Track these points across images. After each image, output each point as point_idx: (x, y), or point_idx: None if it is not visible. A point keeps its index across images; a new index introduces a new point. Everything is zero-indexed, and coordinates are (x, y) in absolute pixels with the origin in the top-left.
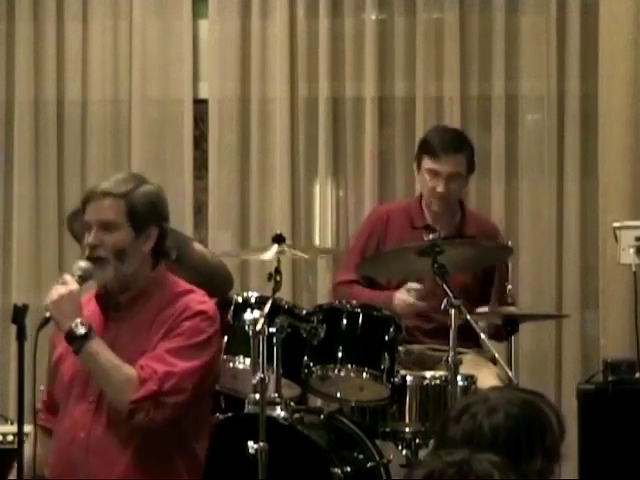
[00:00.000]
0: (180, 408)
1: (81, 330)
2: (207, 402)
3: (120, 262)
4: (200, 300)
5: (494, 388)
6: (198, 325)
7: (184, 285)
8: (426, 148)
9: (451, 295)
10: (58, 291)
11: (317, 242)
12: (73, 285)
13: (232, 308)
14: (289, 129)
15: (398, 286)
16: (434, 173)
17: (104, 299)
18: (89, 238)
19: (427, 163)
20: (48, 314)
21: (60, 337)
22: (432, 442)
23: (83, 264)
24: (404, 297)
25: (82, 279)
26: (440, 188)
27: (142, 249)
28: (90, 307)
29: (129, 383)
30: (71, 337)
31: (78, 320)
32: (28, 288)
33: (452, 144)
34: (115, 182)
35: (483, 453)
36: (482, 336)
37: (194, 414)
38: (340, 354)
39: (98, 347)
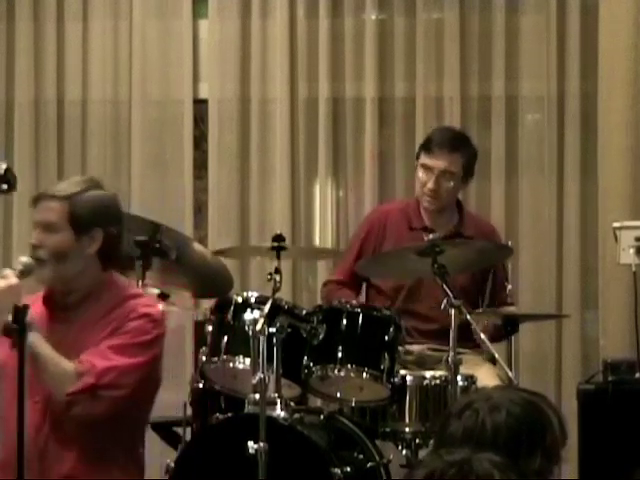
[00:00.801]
0: (119, 404)
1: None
2: (148, 407)
3: (60, 263)
4: (147, 303)
5: (497, 387)
6: (143, 326)
7: (133, 289)
8: (424, 144)
9: (451, 295)
10: None
11: (317, 242)
12: (13, 279)
13: (232, 308)
14: (289, 129)
15: (394, 288)
16: (426, 168)
17: (52, 300)
18: (32, 238)
19: (422, 158)
20: None
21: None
22: (432, 441)
23: (25, 259)
24: None
25: (22, 274)
26: (430, 184)
27: (86, 251)
28: (36, 308)
29: (66, 376)
30: (9, 330)
31: None
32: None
33: (449, 142)
34: (65, 184)
35: (483, 451)
36: (482, 336)
37: (135, 416)
38: (340, 354)
39: (36, 340)
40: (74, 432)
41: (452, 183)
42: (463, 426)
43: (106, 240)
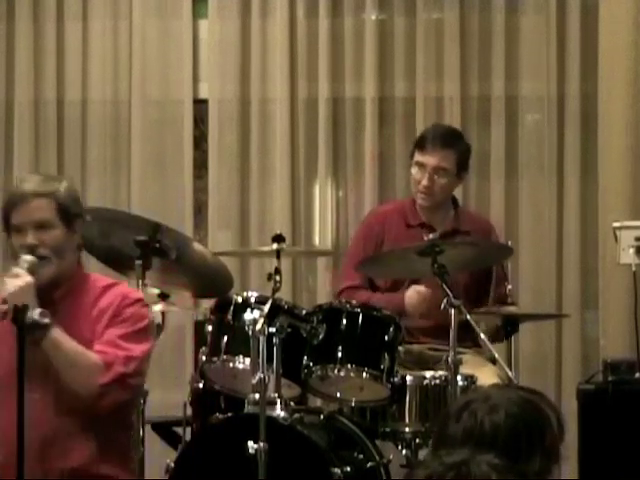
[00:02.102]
0: (139, 390)
1: (44, 320)
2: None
3: (60, 259)
4: (132, 290)
5: (495, 386)
6: (139, 311)
7: (105, 278)
8: (417, 142)
9: (451, 295)
10: (14, 283)
11: (317, 242)
12: (27, 277)
13: (232, 308)
14: (289, 129)
15: (393, 286)
16: (420, 165)
17: (37, 296)
18: (27, 239)
19: (416, 156)
20: (6, 306)
21: None
22: (431, 441)
23: (29, 258)
24: (414, 291)
25: (31, 272)
26: (424, 181)
27: (74, 244)
28: None
29: (96, 367)
30: (33, 327)
31: (39, 310)
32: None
33: (441, 138)
34: (37, 182)
35: (482, 451)
36: (482, 336)
37: (134, 400)
38: (340, 354)
39: (60, 335)
40: (79, 424)
41: (446, 179)
42: (462, 427)
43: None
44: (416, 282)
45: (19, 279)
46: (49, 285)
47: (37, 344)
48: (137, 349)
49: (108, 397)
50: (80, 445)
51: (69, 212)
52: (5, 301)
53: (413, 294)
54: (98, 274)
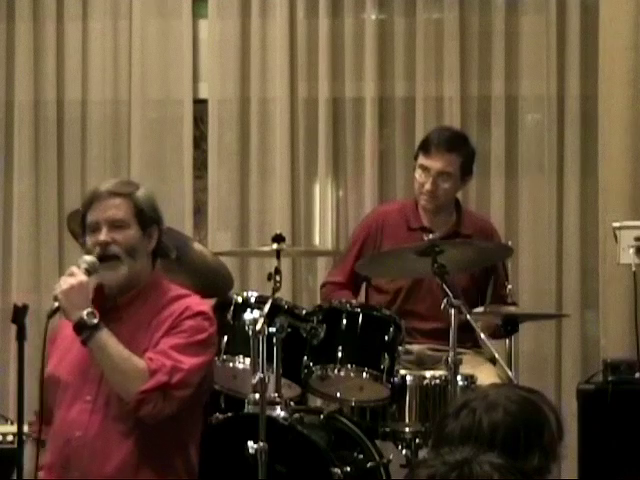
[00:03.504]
0: (184, 403)
1: (92, 320)
2: (202, 403)
3: (132, 259)
4: (199, 302)
5: (493, 385)
6: (200, 324)
7: (179, 289)
8: (422, 144)
9: (451, 295)
10: (68, 281)
11: (317, 242)
12: (82, 276)
13: (232, 308)
14: (289, 129)
15: (394, 288)
16: (424, 169)
17: (100, 301)
18: (100, 236)
19: (420, 159)
20: (57, 304)
21: (55, 345)
22: (430, 440)
23: (89, 258)
24: None
25: (88, 272)
26: (428, 185)
27: (149, 248)
28: None
29: (139, 373)
30: (81, 327)
31: (88, 310)
32: (28, 288)
33: (447, 142)
34: (116, 184)
35: (481, 450)
36: (482, 336)
37: (191, 413)
38: (340, 354)
39: (107, 337)
40: (127, 431)
41: (449, 183)
42: (460, 425)
43: (159, 238)
44: (415, 286)
45: (73, 278)
46: (117, 290)
47: (84, 344)
48: (188, 361)
49: (147, 405)
50: (121, 453)
51: (145, 215)
52: (56, 298)
53: None
54: (175, 285)
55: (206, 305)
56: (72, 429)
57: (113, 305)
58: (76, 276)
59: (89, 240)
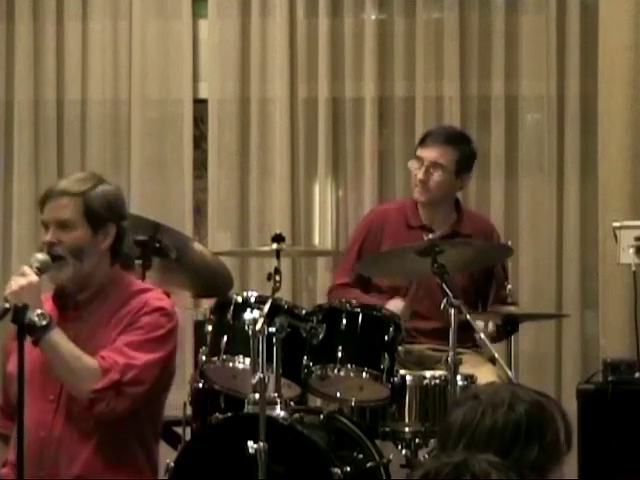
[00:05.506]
0: (139, 400)
1: (42, 321)
2: (163, 399)
3: (78, 261)
4: (158, 297)
5: (506, 384)
6: (157, 320)
7: (140, 284)
8: (421, 138)
9: (450, 295)
10: (18, 282)
11: (317, 242)
12: (32, 276)
13: (232, 308)
14: (289, 129)
15: (390, 287)
16: (419, 159)
17: (61, 299)
18: (47, 236)
19: (417, 151)
20: (7, 305)
21: (15, 343)
22: (432, 440)
23: (40, 256)
24: (394, 307)
25: (40, 271)
26: (420, 174)
27: (100, 247)
28: (46, 308)
29: (91, 372)
30: (31, 328)
31: (38, 311)
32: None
33: (444, 136)
34: (72, 181)
35: (480, 442)
36: (481, 336)
37: (151, 410)
38: (340, 354)
39: (58, 337)
40: (91, 430)
41: (441, 176)
42: (463, 414)
43: (117, 235)
44: (415, 286)
45: (23, 278)
46: (73, 288)
47: (35, 345)
48: (141, 358)
49: (100, 403)
50: (87, 452)
51: (96, 214)
52: (6, 299)
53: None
54: (138, 279)
55: (166, 300)
56: (37, 430)
57: (74, 303)
58: (27, 276)
59: (43, 237)
